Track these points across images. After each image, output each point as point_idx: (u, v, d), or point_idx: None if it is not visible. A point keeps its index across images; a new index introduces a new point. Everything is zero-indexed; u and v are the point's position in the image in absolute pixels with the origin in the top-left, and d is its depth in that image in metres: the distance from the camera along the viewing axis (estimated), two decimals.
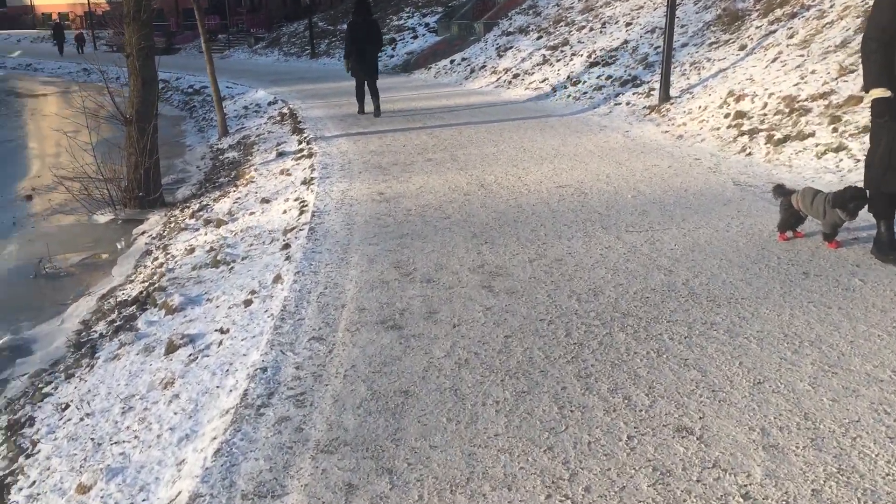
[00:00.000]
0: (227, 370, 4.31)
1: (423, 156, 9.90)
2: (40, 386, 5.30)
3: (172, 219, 10.04)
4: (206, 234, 8.22)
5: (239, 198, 9.52)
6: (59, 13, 58.60)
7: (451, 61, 22.62)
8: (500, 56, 20.46)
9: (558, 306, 4.72)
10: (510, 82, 17.69)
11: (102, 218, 10.55)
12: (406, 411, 3.58)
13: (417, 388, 3.79)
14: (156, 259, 8.14)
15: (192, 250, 7.61)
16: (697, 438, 3.22)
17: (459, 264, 5.61)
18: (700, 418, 3.37)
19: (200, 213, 9.52)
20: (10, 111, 23.80)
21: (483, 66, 20.32)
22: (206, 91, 22.93)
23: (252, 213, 8.39)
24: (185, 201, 10.97)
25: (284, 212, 7.94)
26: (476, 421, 3.46)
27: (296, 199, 8.28)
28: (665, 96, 11.67)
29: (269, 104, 18.16)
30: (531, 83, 16.74)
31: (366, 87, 13.87)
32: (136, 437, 3.89)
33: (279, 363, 4.17)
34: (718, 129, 9.79)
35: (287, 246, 6.53)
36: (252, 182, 10.25)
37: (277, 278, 5.66)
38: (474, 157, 9.63)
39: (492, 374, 3.90)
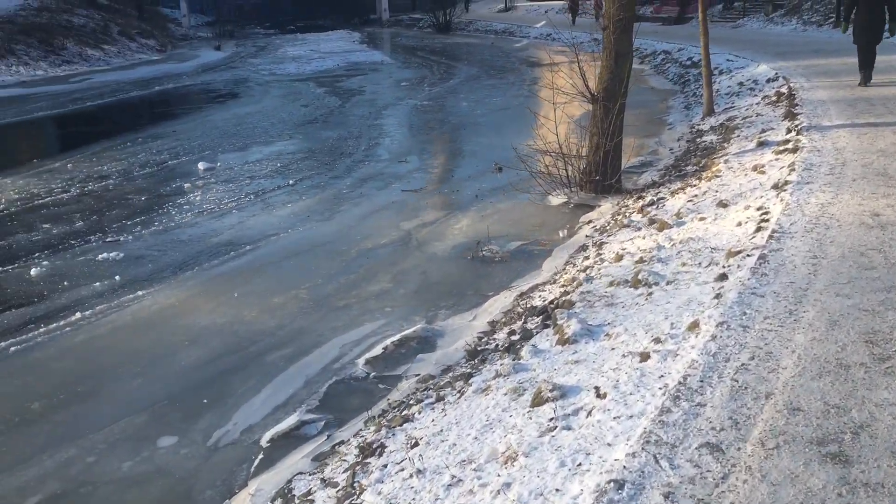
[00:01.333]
0: (580, 465, 3.19)
1: None
2: (411, 402, 4.81)
3: (623, 210, 9.10)
4: (643, 237, 7.09)
5: (696, 195, 8.16)
6: None
7: None
8: None
9: None
10: None
11: (556, 200, 10.08)
12: None
13: None
14: (585, 258, 7.29)
15: (620, 258, 6.56)
16: None
17: None
18: None
19: (650, 208, 8.40)
20: (517, 79, 25.26)
21: None
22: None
23: (702, 219, 7.00)
24: (642, 190, 9.93)
25: (739, 224, 6.40)
26: None
27: (758, 209, 6.66)
28: None
29: (768, 81, 16.04)
30: None
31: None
32: None
33: (644, 479, 2.92)
34: None
35: (723, 277, 5.08)
36: (717, 176, 8.77)
37: (694, 326, 4.31)
38: None
39: None
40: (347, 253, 8.34)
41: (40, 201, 10.75)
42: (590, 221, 9.06)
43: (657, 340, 4.27)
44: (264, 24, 75.91)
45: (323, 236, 8.97)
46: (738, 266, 5.21)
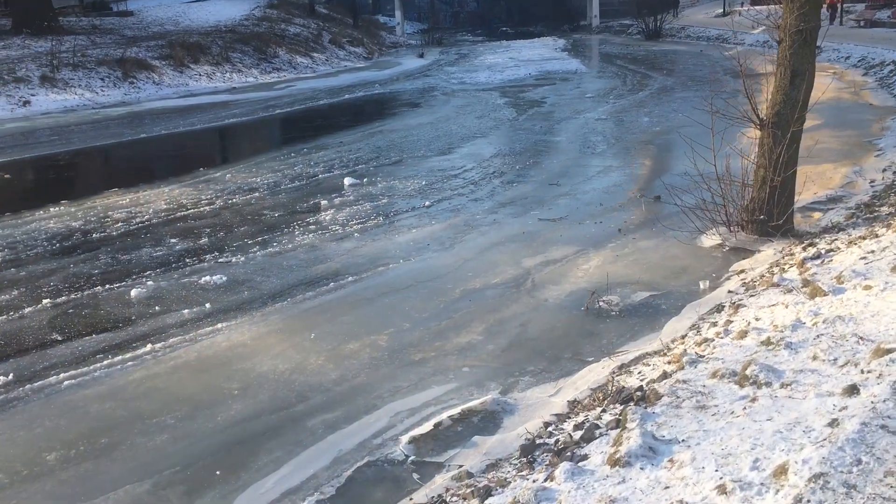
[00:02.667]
0: None
1: None
2: None
3: (785, 259, 7.60)
4: (787, 305, 5.70)
5: (873, 251, 6.55)
6: None
7: None
8: None
9: None
10: None
11: (709, 241, 8.67)
12: None
13: None
14: (713, 325, 6.00)
15: (744, 334, 5.25)
16: None
17: None
18: None
19: (813, 262, 6.88)
20: (714, 91, 23.19)
21: None
22: None
23: (867, 288, 5.49)
24: (817, 234, 8.30)
25: None
26: None
27: None
28: None
29: None
30: None
31: None
32: None
33: None
34: None
35: (853, 390, 3.74)
36: None
37: (780, 472, 3.09)
38: None
39: None
40: (450, 293, 7.54)
41: (182, 213, 10.88)
42: (741, 272, 7.64)
43: (721, 489, 3.09)
44: (476, 31, 77.10)
45: (433, 270, 8.23)
46: (880, 375, 3.83)
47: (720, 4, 56.94)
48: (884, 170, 11.32)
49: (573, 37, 60.38)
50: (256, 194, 11.92)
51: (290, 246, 9.16)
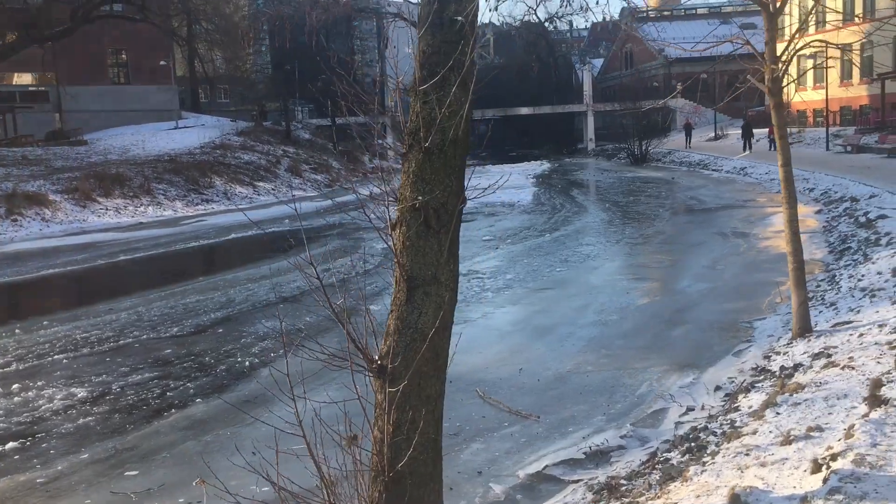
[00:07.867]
0: None
1: None
2: None
3: None
4: None
5: None
6: (814, 109, 53.79)
7: None
8: None
9: None
10: None
11: None
12: None
13: None
14: None
15: None
16: None
17: None
18: None
19: None
20: (634, 236, 19.68)
21: None
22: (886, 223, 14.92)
23: None
24: None
25: None
26: None
27: None
28: None
29: None
30: None
31: None
32: None
33: None
34: None
35: None
36: None
37: None
38: None
39: None
40: None
41: None
42: None
43: None
44: (482, 153, 75.52)
45: None
46: None
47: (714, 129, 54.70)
48: (717, 388, 7.55)
49: (564, 160, 58.72)
50: None
51: None
